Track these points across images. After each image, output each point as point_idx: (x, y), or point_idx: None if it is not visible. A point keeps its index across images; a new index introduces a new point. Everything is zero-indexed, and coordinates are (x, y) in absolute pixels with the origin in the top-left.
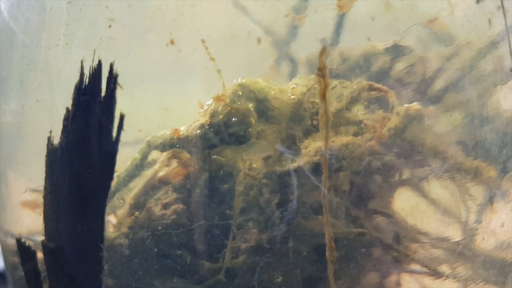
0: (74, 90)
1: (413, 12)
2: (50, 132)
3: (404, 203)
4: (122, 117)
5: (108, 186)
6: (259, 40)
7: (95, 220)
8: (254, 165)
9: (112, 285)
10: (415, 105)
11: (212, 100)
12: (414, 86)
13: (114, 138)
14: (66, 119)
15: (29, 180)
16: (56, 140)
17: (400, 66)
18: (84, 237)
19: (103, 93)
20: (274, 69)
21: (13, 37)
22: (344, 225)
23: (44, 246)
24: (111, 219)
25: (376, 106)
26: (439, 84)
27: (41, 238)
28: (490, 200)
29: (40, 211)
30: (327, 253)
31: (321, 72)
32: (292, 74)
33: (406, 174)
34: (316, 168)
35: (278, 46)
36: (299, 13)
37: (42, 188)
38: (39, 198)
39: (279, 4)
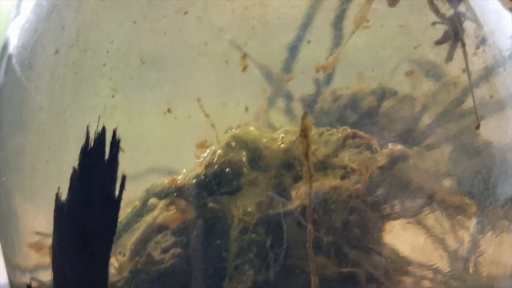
0: (80, 152)
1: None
2: (58, 188)
3: (397, 236)
4: (124, 178)
5: (111, 240)
6: (246, 109)
7: (99, 271)
8: (249, 209)
9: None
10: (399, 147)
11: (207, 151)
12: (401, 122)
13: (116, 197)
14: (72, 178)
15: (38, 223)
16: (64, 196)
17: (387, 104)
18: (90, 285)
19: (106, 156)
20: (267, 115)
21: (25, 97)
22: (334, 265)
23: None
24: (113, 262)
25: (363, 148)
26: (424, 121)
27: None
28: (479, 232)
29: (44, 253)
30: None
31: (304, 133)
32: (288, 112)
33: (396, 208)
34: (306, 211)
35: (273, 84)
36: (288, 72)
37: (47, 231)
38: (44, 240)
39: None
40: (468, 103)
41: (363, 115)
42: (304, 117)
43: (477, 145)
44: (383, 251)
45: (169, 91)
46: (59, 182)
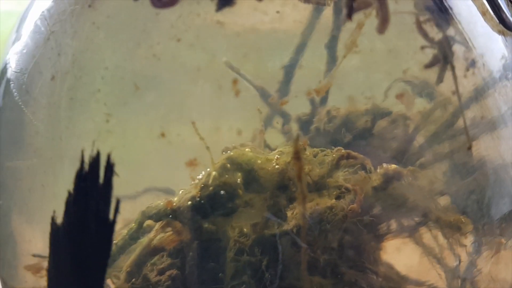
0: (75, 177)
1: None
2: (54, 212)
3: (392, 255)
4: (118, 202)
5: (105, 263)
6: (239, 132)
7: None
8: (245, 230)
9: None
10: (393, 166)
11: (202, 173)
12: (395, 142)
13: (110, 221)
14: (68, 202)
15: (34, 245)
16: (59, 220)
17: (381, 123)
18: None
19: (101, 180)
20: (263, 135)
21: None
22: (331, 285)
23: None
24: (110, 284)
25: (358, 168)
26: (418, 141)
27: None
28: (476, 250)
29: (41, 275)
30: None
31: (297, 155)
32: (285, 132)
33: (392, 227)
34: (301, 230)
35: (269, 104)
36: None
37: (44, 253)
38: (41, 262)
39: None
40: (460, 124)
41: (358, 135)
42: (296, 140)
43: (470, 165)
44: (379, 271)
45: (163, 115)
46: (55, 206)
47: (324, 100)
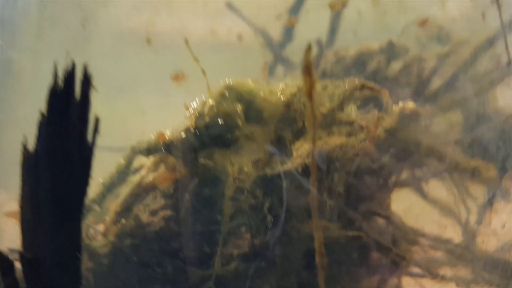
0: (48, 94)
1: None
2: (25, 138)
3: (401, 205)
4: (97, 121)
5: (84, 193)
6: (239, 37)
7: (71, 228)
8: (245, 169)
9: None
10: (410, 104)
11: (197, 102)
12: (410, 86)
13: (89, 143)
14: (40, 124)
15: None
16: (31, 147)
17: (395, 66)
18: (61, 246)
19: (77, 96)
20: (266, 71)
21: None
22: (338, 228)
23: (22, 256)
24: (98, 228)
25: (371, 106)
26: (435, 83)
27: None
28: (490, 200)
29: None
30: (317, 259)
31: (307, 69)
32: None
33: (403, 175)
34: (308, 170)
35: (273, 49)
36: (292, 14)
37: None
38: None
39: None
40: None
41: (369, 77)
42: (308, 51)
43: (486, 114)
44: (391, 218)
45: (149, 18)
46: (26, 131)
47: (331, 41)
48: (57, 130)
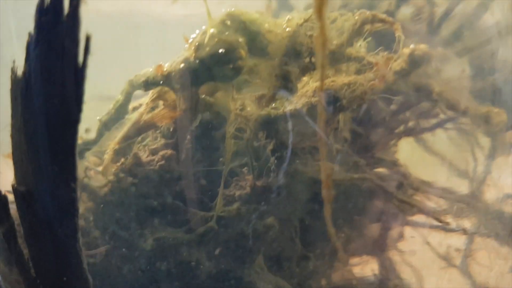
0: (35, 12)
1: None
2: (14, 62)
3: (407, 155)
4: (88, 39)
5: (77, 118)
6: None
7: (65, 157)
8: (248, 109)
9: (98, 236)
10: (422, 46)
11: (197, 33)
12: (421, 30)
13: (80, 63)
14: (29, 45)
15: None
16: (20, 70)
17: (406, 9)
18: (54, 177)
19: (66, 12)
20: (270, 9)
21: None
22: (344, 171)
23: (15, 190)
24: (96, 168)
25: (381, 48)
26: (448, 28)
27: None
28: (498, 152)
29: None
30: (323, 192)
31: None
32: None
33: (410, 124)
34: (314, 110)
35: None
36: None
37: None
38: None
39: None
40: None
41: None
42: None
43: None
44: (396, 165)
45: None
46: (15, 53)
47: None
48: (46, 50)
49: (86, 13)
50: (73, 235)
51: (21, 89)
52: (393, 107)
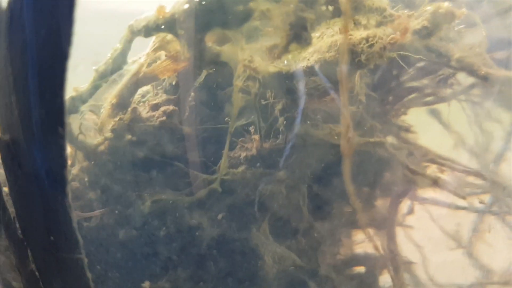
0: None
1: None
2: None
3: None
4: None
5: (66, 54)
6: None
7: (53, 100)
8: (258, 62)
9: (96, 198)
10: (446, 4)
11: None
12: None
13: None
14: None
15: None
16: (5, 2)
17: None
18: (41, 122)
19: None
20: None
21: None
22: (358, 136)
23: None
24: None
25: (400, 7)
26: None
27: None
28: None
29: None
30: (342, 144)
31: None
32: None
33: (428, 92)
34: (328, 67)
35: None
36: None
37: None
38: None
39: None
40: None
41: None
42: None
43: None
44: (409, 132)
45: None
46: None
47: None
48: None
49: None
50: (61, 188)
51: (6, 21)
52: (411, 71)
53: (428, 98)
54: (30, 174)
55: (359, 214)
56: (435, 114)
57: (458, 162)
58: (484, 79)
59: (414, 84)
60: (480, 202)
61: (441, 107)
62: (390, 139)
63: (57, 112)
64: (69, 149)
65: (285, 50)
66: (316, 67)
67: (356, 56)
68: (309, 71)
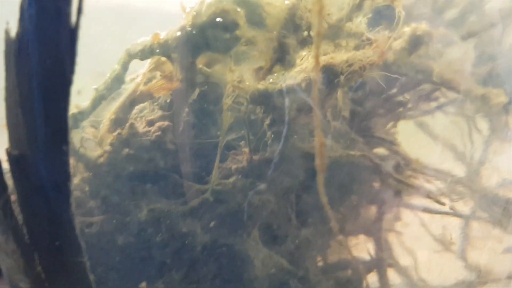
0: None
1: None
2: (7, 23)
3: (406, 138)
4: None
5: (69, 80)
6: None
7: (58, 119)
8: (246, 82)
9: (94, 207)
10: (423, 26)
11: (195, 2)
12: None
13: (73, 24)
14: (22, 6)
15: None
16: (14, 32)
17: None
18: (47, 139)
19: None
20: None
21: None
22: (341, 148)
23: (9, 154)
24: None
25: (382, 27)
26: (453, 10)
27: None
28: (496, 135)
29: None
30: (316, 161)
31: None
32: None
33: (409, 106)
34: (312, 86)
35: None
36: None
37: None
38: None
39: None
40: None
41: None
42: None
43: (496, 50)
44: (395, 145)
45: None
46: (8, 16)
47: None
48: (39, 11)
49: None
50: (65, 198)
51: (14, 50)
52: (394, 88)
53: (411, 112)
54: (37, 185)
55: (333, 222)
56: (423, 127)
57: (442, 170)
58: (463, 94)
59: (399, 99)
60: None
61: (431, 120)
62: (377, 151)
63: (61, 132)
64: (71, 161)
65: (270, 71)
66: (303, 85)
67: (336, 76)
68: (294, 89)
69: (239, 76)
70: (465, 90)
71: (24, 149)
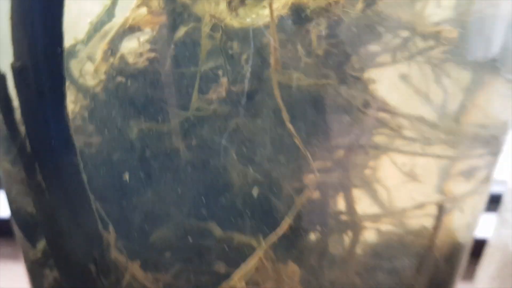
0: None
1: None
2: None
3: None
4: None
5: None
6: None
7: (53, 26)
8: (222, 13)
9: (93, 131)
10: None
11: None
12: None
13: None
14: None
15: None
16: None
17: None
18: (45, 46)
19: None
20: None
21: None
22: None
23: (13, 67)
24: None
25: None
26: None
27: None
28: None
29: None
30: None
31: None
32: None
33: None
34: (285, 23)
35: None
36: None
37: None
38: None
39: None
40: None
41: None
42: None
43: None
44: (362, 81)
45: None
46: None
47: None
48: None
49: None
50: (60, 101)
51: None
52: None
53: (383, 59)
54: (36, 91)
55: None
56: (403, 78)
57: (416, 115)
58: (416, 32)
59: (372, 47)
60: None
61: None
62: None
63: (57, 36)
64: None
65: (242, 2)
66: (276, 22)
67: (303, 11)
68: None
69: (216, 4)
70: (421, 32)
71: (25, 59)
